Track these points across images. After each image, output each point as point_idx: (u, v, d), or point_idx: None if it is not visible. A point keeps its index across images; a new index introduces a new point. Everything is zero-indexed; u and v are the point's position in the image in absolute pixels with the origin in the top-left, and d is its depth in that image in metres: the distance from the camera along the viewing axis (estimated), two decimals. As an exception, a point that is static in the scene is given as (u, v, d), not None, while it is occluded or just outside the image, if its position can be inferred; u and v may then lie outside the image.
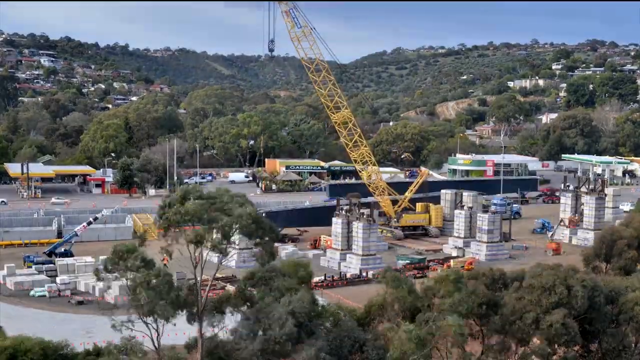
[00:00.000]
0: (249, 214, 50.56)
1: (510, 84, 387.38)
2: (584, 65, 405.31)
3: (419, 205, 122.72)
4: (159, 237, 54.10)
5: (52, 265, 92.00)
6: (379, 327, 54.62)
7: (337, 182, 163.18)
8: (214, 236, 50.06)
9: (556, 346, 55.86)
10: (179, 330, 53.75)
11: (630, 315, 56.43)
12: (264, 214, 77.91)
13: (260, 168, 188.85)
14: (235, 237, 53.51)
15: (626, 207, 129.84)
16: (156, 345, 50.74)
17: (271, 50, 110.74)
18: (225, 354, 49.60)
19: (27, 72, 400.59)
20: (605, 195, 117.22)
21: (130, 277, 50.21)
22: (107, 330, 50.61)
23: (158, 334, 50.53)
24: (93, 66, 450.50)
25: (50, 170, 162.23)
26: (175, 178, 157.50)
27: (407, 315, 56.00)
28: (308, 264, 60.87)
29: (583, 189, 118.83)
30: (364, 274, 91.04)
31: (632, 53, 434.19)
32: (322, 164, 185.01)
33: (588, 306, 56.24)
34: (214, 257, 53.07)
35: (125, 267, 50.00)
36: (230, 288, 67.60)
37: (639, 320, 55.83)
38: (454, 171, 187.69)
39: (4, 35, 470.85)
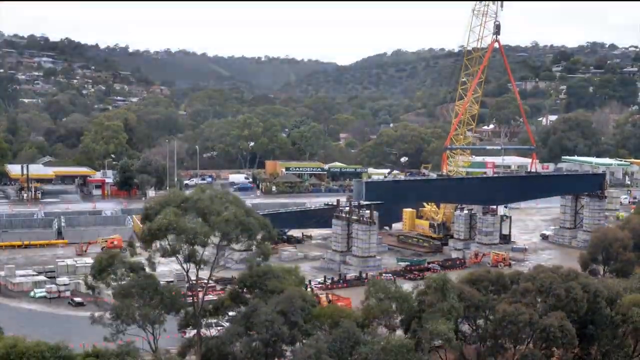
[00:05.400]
0: (235, 214, 49.53)
1: (510, 86, 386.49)
2: (584, 67, 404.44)
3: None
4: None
5: None
6: (377, 330, 54.65)
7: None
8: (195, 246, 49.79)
9: (554, 349, 55.96)
10: (171, 334, 53.81)
11: (627, 317, 56.45)
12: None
13: (260, 170, 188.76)
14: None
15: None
16: (153, 348, 50.76)
17: None
18: (219, 355, 49.45)
19: (27, 74, 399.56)
20: (605, 197, 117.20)
21: (116, 283, 50.26)
22: (107, 331, 50.71)
23: (154, 337, 50.51)
24: (93, 67, 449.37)
25: (50, 172, 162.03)
26: (176, 179, 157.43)
27: (404, 320, 55.96)
28: (296, 269, 60.25)
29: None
30: (364, 275, 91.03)
31: (632, 55, 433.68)
32: (323, 165, 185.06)
33: (588, 309, 56.32)
34: (212, 258, 52.99)
35: (113, 274, 49.96)
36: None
37: (635, 322, 55.82)
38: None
39: (4, 37, 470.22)
